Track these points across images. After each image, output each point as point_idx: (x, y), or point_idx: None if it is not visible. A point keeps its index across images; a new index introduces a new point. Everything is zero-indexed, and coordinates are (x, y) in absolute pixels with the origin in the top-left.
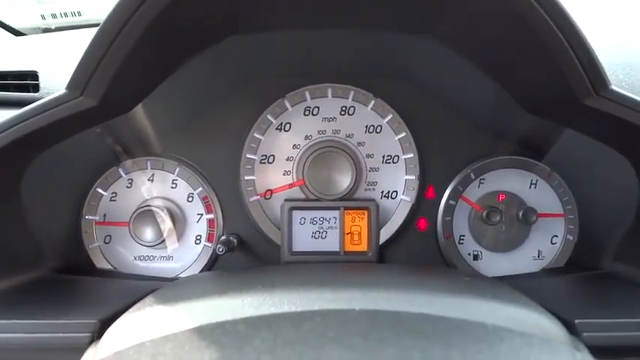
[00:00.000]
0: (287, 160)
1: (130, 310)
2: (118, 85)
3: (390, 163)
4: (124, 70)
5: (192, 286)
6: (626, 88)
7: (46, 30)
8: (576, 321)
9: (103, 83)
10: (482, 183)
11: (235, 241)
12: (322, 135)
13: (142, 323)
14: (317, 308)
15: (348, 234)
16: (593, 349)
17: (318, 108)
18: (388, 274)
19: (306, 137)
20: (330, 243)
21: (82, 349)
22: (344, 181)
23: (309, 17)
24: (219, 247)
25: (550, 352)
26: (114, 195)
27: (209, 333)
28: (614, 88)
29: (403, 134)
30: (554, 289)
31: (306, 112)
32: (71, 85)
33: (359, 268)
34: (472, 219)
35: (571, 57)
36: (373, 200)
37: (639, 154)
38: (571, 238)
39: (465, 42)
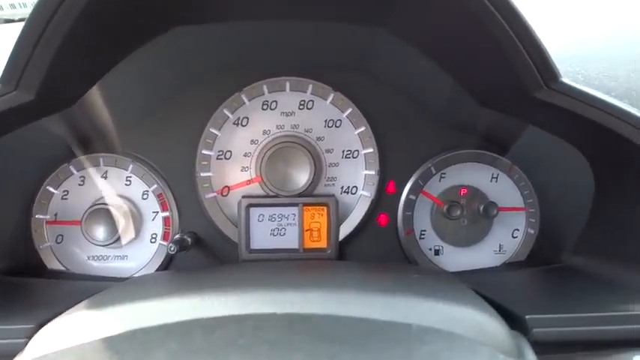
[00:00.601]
0: (245, 155)
1: (63, 314)
2: (54, 78)
3: (349, 158)
4: (60, 63)
5: (131, 289)
6: (581, 81)
7: (8, 21)
8: (526, 317)
9: (37, 77)
10: (444, 177)
11: (190, 239)
12: (281, 130)
13: (67, 328)
14: (239, 312)
15: (307, 231)
16: (543, 345)
17: (277, 102)
18: (337, 273)
19: (264, 132)
20: (289, 240)
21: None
22: (302, 176)
23: (259, 8)
24: (171, 247)
25: (471, 357)
26: (65, 193)
27: (119, 341)
28: (564, 80)
29: (363, 128)
30: (512, 284)
31: (264, 107)
32: (4, 79)
33: (312, 267)
34: (434, 214)
35: (520, 51)
36: (333, 196)
37: (592, 148)
38: (532, 231)
39: (417, 34)
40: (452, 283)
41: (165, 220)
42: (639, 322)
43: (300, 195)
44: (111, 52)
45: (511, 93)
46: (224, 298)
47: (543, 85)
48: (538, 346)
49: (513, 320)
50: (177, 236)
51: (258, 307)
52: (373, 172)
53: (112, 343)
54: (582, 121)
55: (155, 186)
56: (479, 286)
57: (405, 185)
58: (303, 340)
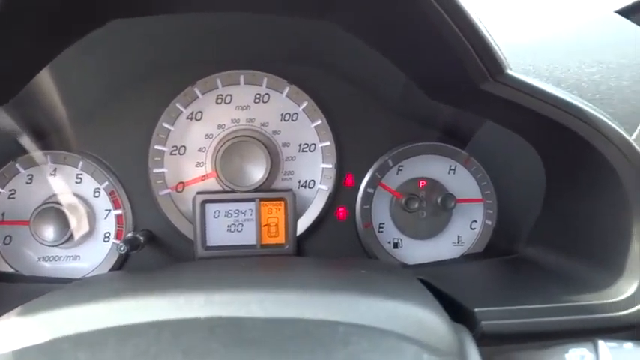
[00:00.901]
0: (199, 150)
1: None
2: None
3: (306, 151)
4: None
5: (70, 293)
6: (532, 72)
7: None
8: (475, 310)
9: None
10: (401, 170)
11: (142, 238)
12: (236, 124)
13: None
14: (163, 318)
15: (265, 226)
16: (492, 337)
17: (231, 96)
18: (283, 271)
19: (219, 126)
20: (247, 236)
21: None
22: (259, 171)
23: (203, 1)
24: (121, 246)
25: (393, 357)
26: (12, 192)
27: (27, 353)
28: (510, 72)
29: (319, 122)
30: (467, 276)
31: (219, 100)
32: None
33: (262, 264)
34: (393, 207)
35: (464, 43)
36: (290, 190)
37: (542, 141)
38: (489, 223)
39: (361, 27)
40: (402, 277)
41: (118, 218)
42: (584, 313)
43: (256, 190)
44: (44, 47)
45: (459, 85)
46: (150, 303)
47: (489, 77)
48: (488, 338)
49: (464, 313)
50: (129, 235)
51: (183, 312)
52: (330, 166)
53: (19, 355)
54: (530, 114)
55: (107, 183)
56: (435, 279)
57: (362, 178)
58: (218, 346)
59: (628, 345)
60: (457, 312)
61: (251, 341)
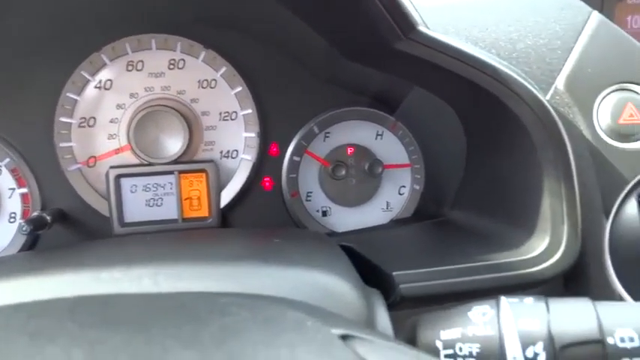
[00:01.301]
0: (111, 122)
1: None
2: None
3: (227, 120)
4: None
5: None
6: (452, 32)
7: None
8: (393, 273)
9: None
10: (328, 137)
11: (49, 217)
12: (150, 92)
13: None
14: (38, 299)
15: (186, 199)
16: (411, 300)
17: (143, 62)
18: (198, 243)
19: (132, 95)
20: (168, 210)
21: None
22: (176, 142)
23: None
24: (24, 227)
25: (269, 326)
26: None
27: None
28: (422, 29)
29: (240, 88)
30: (391, 241)
31: (129, 68)
32: None
33: (181, 238)
34: (321, 175)
35: (373, 1)
36: (211, 161)
37: (459, 102)
38: (417, 187)
39: None
40: (320, 245)
41: (24, 197)
42: (499, 271)
43: (175, 162)
44: None
45: (374, 46)
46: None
47: (401, 35)
48: (407, 301)
49: (384, 278)
50: (34, 214)
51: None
52: (253, 135)
53: None
54: (446, 74)
55: (8, 160)
56: (359, 245)
57: (288, 147)
58: (74, 327)
59: (529, 300)
60: (378, 277)
61: (113, 319)
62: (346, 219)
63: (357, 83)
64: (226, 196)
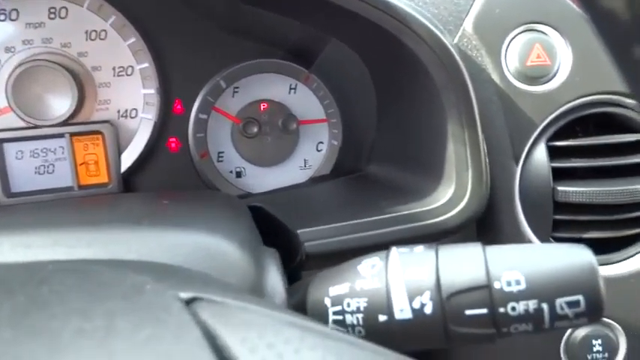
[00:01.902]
0: None
1: None
2: None
3: (123, 75)
4: None
5: None
6: None
7: None
8: (298, 231)
9: None
10: (237, 92)
11: None
12: (29, 46)
13: None
14: None
15: (82, 165)
16: (317, 257)
17: (17, 11)
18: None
19: (7, 50)
20: (61, 178)
21: None
22: (64, 101)
23: None
24: None
25: (90, 295)
26: None
27: None
28: None
29: (133, 39)
30: (305, 198)
31: (2, 17)
32: None
33: (71, 205)
34: (234, 133)
35: None
36: (107, 122)
37: (364, 47)
38: (335, 143)
39: None
40: (218, 206)
41: None
42: (406, 223)
43: (66, 123)
44: None
45: None
46: None
47: None
48: (313, 259)
49: (290, 237)
50: None
51: None
52: (152, 91)
53: None
54: (346, 15)
55: None
56: (271, 205)
57: (193, 104)
58: None
59: (419, 249)
60: (285, 237)
61: None
62: (263, 179)
63: (268, 35)
64: (128, 159)
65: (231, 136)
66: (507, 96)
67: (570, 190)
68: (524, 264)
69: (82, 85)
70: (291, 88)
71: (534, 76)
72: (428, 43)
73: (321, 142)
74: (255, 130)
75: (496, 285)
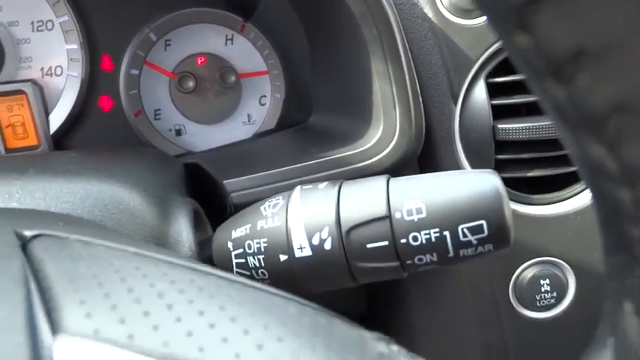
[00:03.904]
0: None
1: None
2: None
3: (43, 30)
4: None
5: None
6: None
7: None
8: (224, 182)
9: None
10: (169, 45)
11: None
12: None
13: None
14: None
15: (7, 127)
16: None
17: None
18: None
19: None
20: None
21: None
22: None
23: None
24: None
25: None
26: None
27: None
28: None
29: None
30: (243, 153)
31: None
32: None
33: None
34: (172, 90)
35: None
36: (29, 81)
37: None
38: (279, 96)
39: None
40: (138, 159)
41: None
42: (335, 168)
43: None
44: None
45: None
46: None
47: None
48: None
49: (219, 189)
50: None
51: None
52: (76, 46)
53: None
54: None
55: None
56: (209, 162)
57: (122, 59)
58: None
59: (322, 185)
60: (216, 190)
61: None
62: (205, 137)
63: None
64: (57, 120)
65: (169, 92)
66: (442, 32)
67: (510, 127)
68: (426, 192)
69: None
70: (227, 39)
71: (470, 9)
72: None
73: (264, 96)
74: (192, 84)
75: (397, 215)
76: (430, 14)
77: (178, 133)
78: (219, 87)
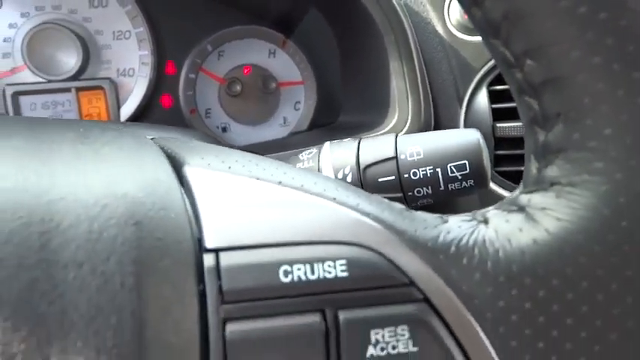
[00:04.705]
0: (5, 41)
1: None
2: None
3: (121, 39)
4: None
5: None
6: None
7: None
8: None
9: None
10: (222, 55)
11: None
12: (41, 12)
13: None
14: None
15: (86, 116)
16: None
17: None
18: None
19: (23, 15)
20: None
21: None
22: (71, 58)
23: None
24: None
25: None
26: None
27: None
28: None
29: (129, 7)
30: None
31: None
32: None
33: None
34: (220, 93)
35: None
36: (108, 79)
37: (330, 10)
38: (311, 102)
39: None
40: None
41: None
42: None
43: (73, 79)
44: None
45: None
46: None
47: None
48: None
49: None
50: None
51: None
52: (147, 53)
53: None
54: None
55: None
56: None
57: (183, 65)
58: None
59: (346, 139)
60: None
61: None
62: (246, 135)
63: (253, 5)
64: (126, 112)
65: (219, 95)
66: (450, 45)
67: (508, 126)
68: (425, 141)
69: (86, 46)
70: (270, 53)
71: (472, 28)
72: None
73: (299, 102)
74: (239, 88)
75: (402, 156)
76: (441, 31)
77: (224, 130)
78: (260, 93)
